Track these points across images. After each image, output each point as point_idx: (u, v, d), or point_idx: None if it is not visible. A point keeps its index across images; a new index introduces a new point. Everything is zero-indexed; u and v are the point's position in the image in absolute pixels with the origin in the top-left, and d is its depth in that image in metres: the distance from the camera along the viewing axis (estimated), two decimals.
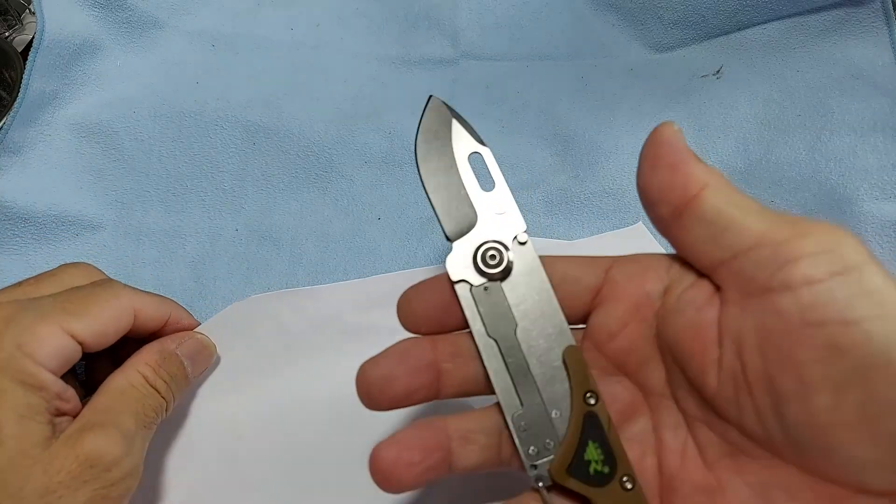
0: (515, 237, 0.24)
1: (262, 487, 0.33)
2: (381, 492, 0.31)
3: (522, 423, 0.22)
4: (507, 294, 0.23)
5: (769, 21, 0.46)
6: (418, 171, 0.24)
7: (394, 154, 0.44)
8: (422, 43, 0.49)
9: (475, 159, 0.25)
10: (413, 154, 0.25)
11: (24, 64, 0.42)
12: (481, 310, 0.23)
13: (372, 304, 0.37)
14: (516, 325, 0.23)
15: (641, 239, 0.39)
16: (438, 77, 0.48)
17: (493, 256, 0.23)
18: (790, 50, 0.45)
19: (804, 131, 0.42)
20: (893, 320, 0.18)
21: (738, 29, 0.46)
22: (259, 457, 0.33)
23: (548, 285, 0.23)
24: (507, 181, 0.43)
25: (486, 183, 0.25)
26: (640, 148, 0.43)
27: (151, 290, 0.33)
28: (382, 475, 0.22)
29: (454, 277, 0.23)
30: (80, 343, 0.28)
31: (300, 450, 0.33)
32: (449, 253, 0.24)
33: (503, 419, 0.23)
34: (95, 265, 0.33)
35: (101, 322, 0.28)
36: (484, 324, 0.23)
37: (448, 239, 0.24)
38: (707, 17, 0.46)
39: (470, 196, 0.24)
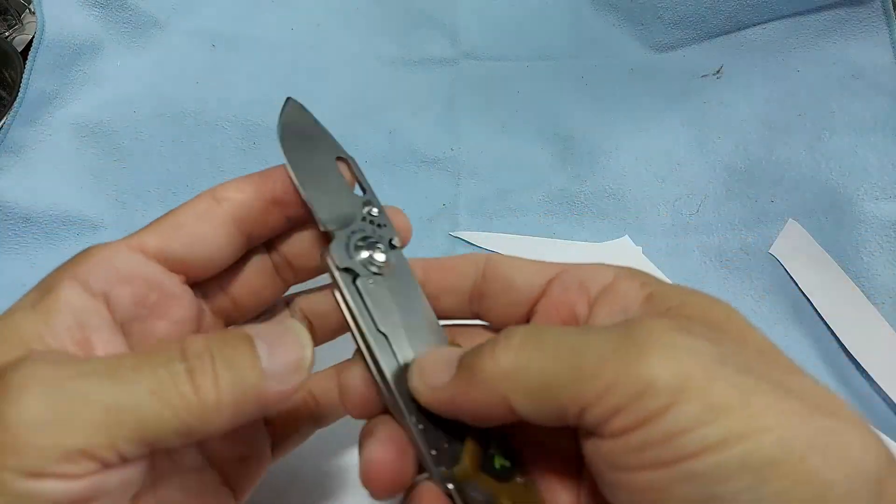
0: (391, 240, 0.24)
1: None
2: None
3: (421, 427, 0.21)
4: (389, 292, 0.23)
5: (769, 21, 0.46)
6: (287, 162, 0.24)
7: (394, 153, 0.44)
8: (422, 43, 0.49)
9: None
10: (279, 143, 0.24)
11: (25, 64, 0.42)
12: (368, 303, 0.22)
13: None
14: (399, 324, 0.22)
15: (627, 252, 0.40)
16: (438, 77, 0.48)
17: (375, 249, 0.23)
18: (790, 50, 0.45)
19: (804, 131, 0.42)
20: (716, 453, 0.16)
21: (738, 29, 0.46)
22: None
23: (418, 291, 0.23)
24: (507, 180, 0.43)
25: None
26: (640, 148, 0.43)
27: None
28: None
29: (340, 265, 0.22)
30: (157, 251, 0.22)
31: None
32: (331, 242, 0.23)
33: (404, 422, 0.21)
34: None
35: (167, 218, 0.22)
36: (373, 318, 0.22)
37: (325, 228, 0.23)
38: (707, 17, 0.46)
39: (346, 195, 0.24)
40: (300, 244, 0.25)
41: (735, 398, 0.16)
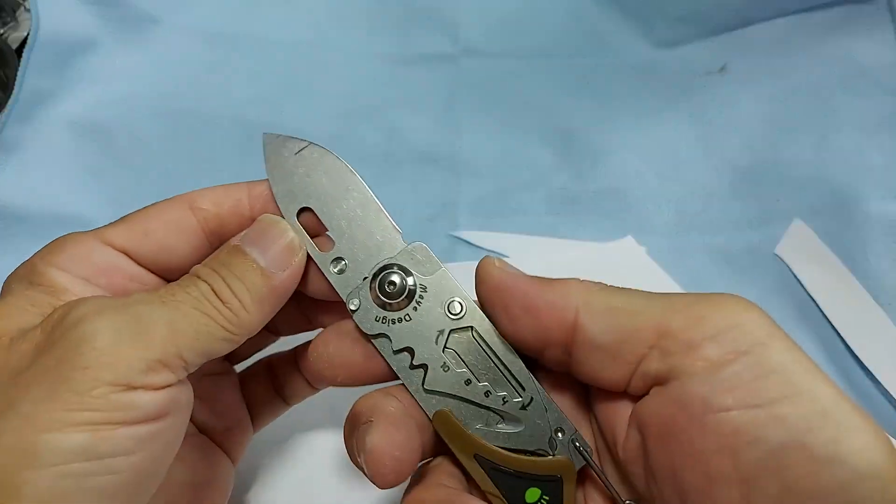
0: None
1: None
2: None
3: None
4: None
5: (774, 18, 0.46)
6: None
7: (393, 152, 0.44)
8: (422, 40, 0.48)
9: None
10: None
11: (19, 61, 0.42)
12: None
13: None
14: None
15: (631, 253, 0.39)
16: (438, 74, 0.47)
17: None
18: (795, 47, 0.45)
19: (809, 130, 0.42)
20: (806, 400, 0.16)
21: (743, 26, 0.46)
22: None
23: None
24: (508, 179, 0.43)
25: None
26: (643, 146, 0.43)
27: None
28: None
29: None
30: (123, 251, 0.23)
31: (299, 441, 0.33)
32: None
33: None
34: None
35: (138, 221, 0.23)
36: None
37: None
38: (711, 14, 0.46)
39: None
40: None
41: (807, 362, 0.17)
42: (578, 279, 0.20)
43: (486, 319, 0.22)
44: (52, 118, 0.42)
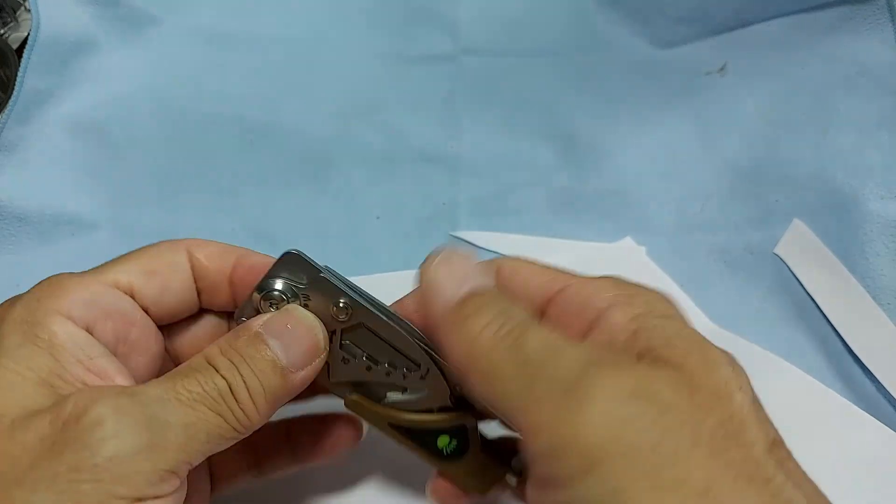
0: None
1: None
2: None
3: None
4: None
5: (774, 17, 0.45)
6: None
7: (393, 151, 0.44)
8: (422, 39, 0.48)
9: None
10: None
11: (19, 62, 0.42)
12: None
13: None
14: None
15: (630, 253, 0.39)
16: (438, 73, 0.47)
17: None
18: (795, 47, 0.45)
19: (809, 129, 0.42)
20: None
21: (743, 25, 0.46)
22: None
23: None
24: (508, 179, 0.43)
25: None
26: (643, 146, 0.43)
27: None
28: None
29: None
30: (129, 292, 0.22)
31: None
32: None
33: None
34: (91, 265, 0.32)
35: (142, 261, 0.23)
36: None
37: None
38: (711, 13, 0.46)
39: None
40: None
41: (645, 484, 0.16)
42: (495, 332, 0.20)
43: (373, 309, 0.23)
44: (52, 118, 0.42)
